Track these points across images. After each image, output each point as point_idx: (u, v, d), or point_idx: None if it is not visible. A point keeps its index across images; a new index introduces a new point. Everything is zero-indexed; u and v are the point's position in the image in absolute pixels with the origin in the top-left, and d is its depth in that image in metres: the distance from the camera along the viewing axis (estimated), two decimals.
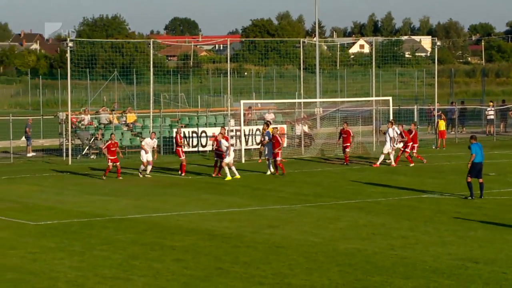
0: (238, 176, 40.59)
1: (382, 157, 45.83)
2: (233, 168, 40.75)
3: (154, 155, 42.99)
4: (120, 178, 40.91)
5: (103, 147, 42.88)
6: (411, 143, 46.29)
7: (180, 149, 43.68)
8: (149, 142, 42.51)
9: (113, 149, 40.90)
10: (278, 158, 42.19)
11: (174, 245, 25.35)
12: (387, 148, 45.54)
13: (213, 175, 42.16)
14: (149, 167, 42.31)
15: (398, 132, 45.77)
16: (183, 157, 43.04)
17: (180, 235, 26.83)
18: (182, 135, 46.61)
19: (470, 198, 33.48)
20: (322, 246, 25.28)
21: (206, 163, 47.50)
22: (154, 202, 34.26)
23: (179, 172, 42.98)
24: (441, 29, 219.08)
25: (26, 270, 22.32)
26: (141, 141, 46.54)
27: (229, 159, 40.42)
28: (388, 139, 45.49)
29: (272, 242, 25.64)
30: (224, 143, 40.48)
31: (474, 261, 23.27)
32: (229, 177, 40.06)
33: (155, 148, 43.12)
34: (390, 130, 45.59)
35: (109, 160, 40.77)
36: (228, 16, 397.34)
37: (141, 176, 41.79)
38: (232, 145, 42.30)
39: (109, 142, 41.56)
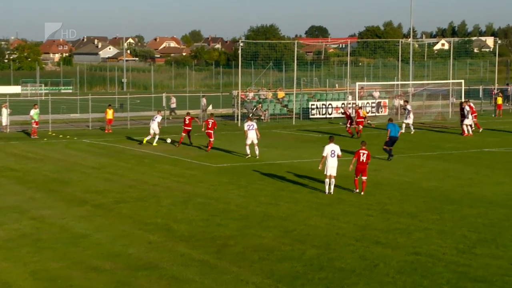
0: None
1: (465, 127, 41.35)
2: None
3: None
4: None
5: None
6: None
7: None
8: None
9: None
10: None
11: (310, 183, 25.37)
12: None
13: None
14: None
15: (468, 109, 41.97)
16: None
17: (312, 175, 26.76)
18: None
19: (388, 159, 30.53)
20: (411, 184, 24.87)
21: (332, 126, 47.20)
22: (294, 152, 34.31)
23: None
24: (501, 32, 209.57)
25: (209, 196, 22.78)
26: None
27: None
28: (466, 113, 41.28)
29: (376, 180, 25.36)
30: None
31: None
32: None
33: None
34: (467, 107, 41.43)
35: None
36: (348, 23, 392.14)
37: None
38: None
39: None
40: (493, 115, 55.36)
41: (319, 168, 23.62)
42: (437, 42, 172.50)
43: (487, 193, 23.08)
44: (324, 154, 23.13)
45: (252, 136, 31.66)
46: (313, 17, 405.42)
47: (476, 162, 30.33)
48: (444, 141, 38.71)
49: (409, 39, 75.25)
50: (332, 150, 23.01)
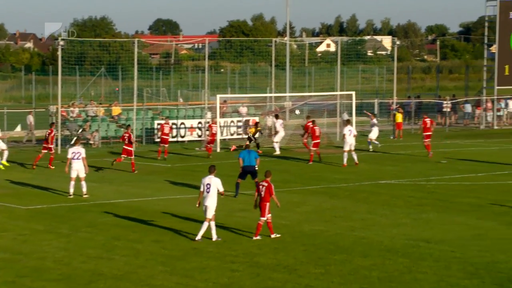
0: None
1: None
2: None
3: None
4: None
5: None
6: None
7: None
8: None
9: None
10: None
11: (153, 227, 25.33)
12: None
13: None
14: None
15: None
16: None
17: (158, 218, 26.80)
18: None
19: (235, 197, 30.93)
20: (288, 228, 25.34)
21: (184, 152, 47.45)
22: (134, 188, 34.19)
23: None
24: (401, 30, 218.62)
25: (17, 250, 22.28)
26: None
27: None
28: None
29: (243, 224, 25.64)
30: None
31: (426, 241, 23.46)
32: None
33: None
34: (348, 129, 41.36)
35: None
36: (207, 17, 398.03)
37: None
38: None
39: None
40: (392, 137, 57.45)
41: (197, 206, 23.87)
42: (321, 42, 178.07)
43: (384, 238, 23.90)
44: (201, 189, 23.55)
45: (78, 167, 31.22)
46: (159, 9, 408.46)
47: (370, 198, 31.37)
48: (330, 171, 39.76)
49: (285, 38, 77.22)
50: (207, 184, 23.23)
